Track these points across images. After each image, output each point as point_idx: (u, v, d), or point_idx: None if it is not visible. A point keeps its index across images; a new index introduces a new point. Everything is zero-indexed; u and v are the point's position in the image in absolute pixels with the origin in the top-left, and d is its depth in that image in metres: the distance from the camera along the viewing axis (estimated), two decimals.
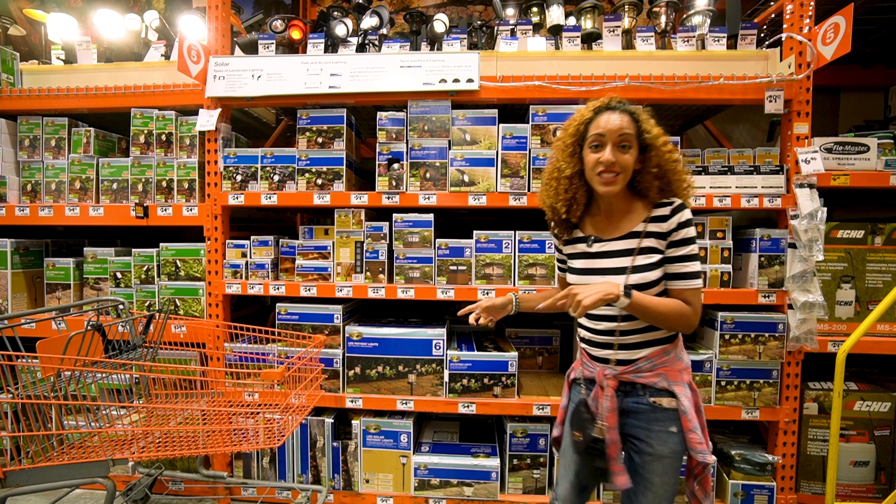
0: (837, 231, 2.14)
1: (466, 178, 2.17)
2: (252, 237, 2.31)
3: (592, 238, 1.36)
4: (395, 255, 2.22)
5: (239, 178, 2.29)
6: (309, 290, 2.21)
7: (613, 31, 2.23)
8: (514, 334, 2.55)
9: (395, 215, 2.21)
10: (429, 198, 2.17)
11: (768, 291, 2.09)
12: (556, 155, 1.36)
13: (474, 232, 2.19)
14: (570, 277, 1.42)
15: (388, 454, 2.20)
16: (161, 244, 2.35)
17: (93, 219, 2.33)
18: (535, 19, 2.50)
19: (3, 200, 2.38)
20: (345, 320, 2.28)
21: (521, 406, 2.13)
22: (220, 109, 2.28)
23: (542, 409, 2.12)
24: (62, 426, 1.89)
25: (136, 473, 2.20)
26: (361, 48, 2.37)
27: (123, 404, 1.73)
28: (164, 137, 2.34)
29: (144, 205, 2.29)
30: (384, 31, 2.53)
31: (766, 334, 2.08)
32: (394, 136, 2.23)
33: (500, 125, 2.19)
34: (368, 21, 2.39)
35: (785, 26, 2.12)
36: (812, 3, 2.05)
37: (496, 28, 2.39)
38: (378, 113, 2.24)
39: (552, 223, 1.45)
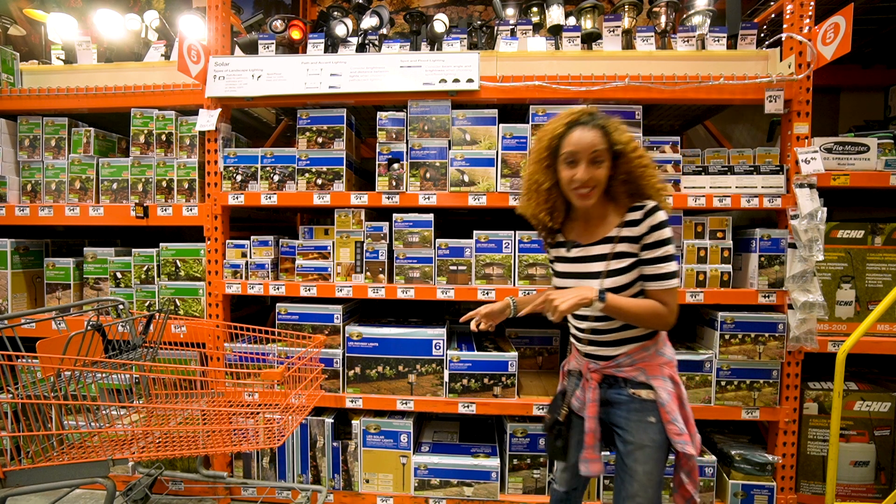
0: (837, 231, 2.14)
1: (466, 178, 2.17)
2: (252, 237, 2.31)
3: (570, 244, 1.42)
4: (395, 255, 2.22)
5: (239, 178, 2.29)
6: (309, 290, 2.21)
7: (613, 31, 2.23)
8: (514, 334, 2.55)
9: (395, 215, 2.21)
10: (429, 198, 2.17)
11: (768, 291, 2.09)
12: (534, 167, 1.39)
13: (474, 232, 2.19)
14: (554, 280, 1.50)
15: (388, 454, 2.20)
16: (161, 244, 2.35)
17: (93, 219, 2.33)
18: (535, 19, 2.50)
19: (3, 200, 2.38)
20: (345, 320, 2.28)
21: (521, 406, 2.13)
22: (220, 109, 2.28)
23: (542, 409, 2.12)
24: (62, 426, 1.88)
25: (136, 473, 2.20)
26: (361, 48, 2.37)
27: (123, 404, 1.73)
28: (164, 137, 2.34)
29: (144, 205, 2.29)
30: (384, 31, 2.53)
31: (766, 334, 2.08)
32: (394, 136, 2.23)
33: (500, 125, 2.19)
34: (368, 21, 2.39)
35: (785, 26, 2.12)
36: (812, 3, 2.05)
37: (496, 28, 2.39)
38: (378, 113, 2.24)
39: (538, 229, 1.50)
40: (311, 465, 2.26)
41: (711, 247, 2.13)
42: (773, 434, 2.14)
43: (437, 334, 2.18)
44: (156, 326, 1.89)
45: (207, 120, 2.24)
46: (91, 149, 2.38)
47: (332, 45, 2.34)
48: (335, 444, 2.24)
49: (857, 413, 2.14)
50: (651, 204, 1.31)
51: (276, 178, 2.27)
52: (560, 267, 1.46)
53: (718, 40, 2.18)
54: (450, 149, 2.20)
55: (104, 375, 1.93)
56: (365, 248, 2.23)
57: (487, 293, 2.14)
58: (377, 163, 2.21)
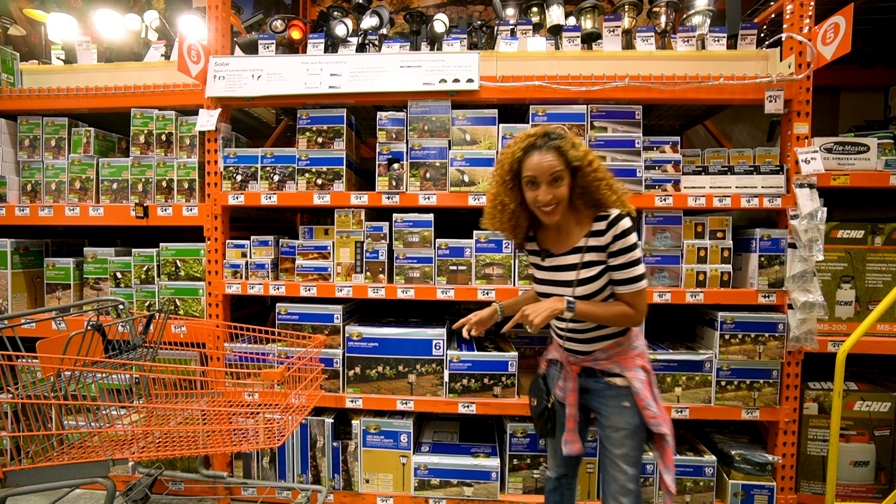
0: (837, 231, 2.14)
1: (466, 178, 2.17)
2: (252, 237, 2.31)
3: (545, 253, 1.53)
4: (395, 255, 2.22)
5: (239, 178, 2.29)
6: (309, 290, 2.21)
7: (613, 31, 2.23)
8: (514, 334, 2.55)
9: (395, 215, 2.21)
10: (429, 198, 2.17)
11: (768, 291, 2.09)
12: (498, 189, 1.47)
13: (474, 232, 2.19)
14: (533, 284, 1.61)
15: (388, 454, 2.20)
16: (161, 244, 2.35)
17: (93, 219, 2.33)
18: (535, 19, 2.50)
19: (3, 200, 2.38)
20: (345, 320, 2.28)
21: (521, 406, 2.13)
22: (220, 109, 2.28)
23: None
24: (62, 426, 1.88)
25: (136, 473, 2.20)
26: (361, 48, 2.37)
27: (123, 404, 1.73)
28: (164, 137, 2.34)
29: (144, 205, 2.29)
30: (384, 31, 2.53)
31: (766, 334, 2.08)
32: (394, 136, 2.23)
33: (500, 125, 2.19)
34: (368, 21, 2.39)
35: (785, 26, 2.12)
36: (812, 3, 2.05)
37: (496, 28, 2.39)
38: (378, 113, 2.24)
39: (513, 244, 1.63)
40: (311, 465, 2.26)
41: (711, 247, 2.13)
42: (773, 434, 2.14)
43: (437, 334, 2.18)
44: (156, 326, 1.89)
45: (207, 120, 2.24)
46: (91, 149, 2.38)
47: (332, 45, 2.35)
48: (335, 444, 2.24)
49: (857, 413, 2.14)
50: (615, 213, 1.38)
51: (276, 178, 2.27)
52: (537, 274, 1.57)
53: (718, 40, 2.18)
54: (450, 149, 2.20)
55: (104, 375, 1.93)
56: (365, 248, 2.24)
57: (487, 293, 2.14)
58: (377, 163, 2.21)
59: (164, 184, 2.34)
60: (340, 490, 2.25)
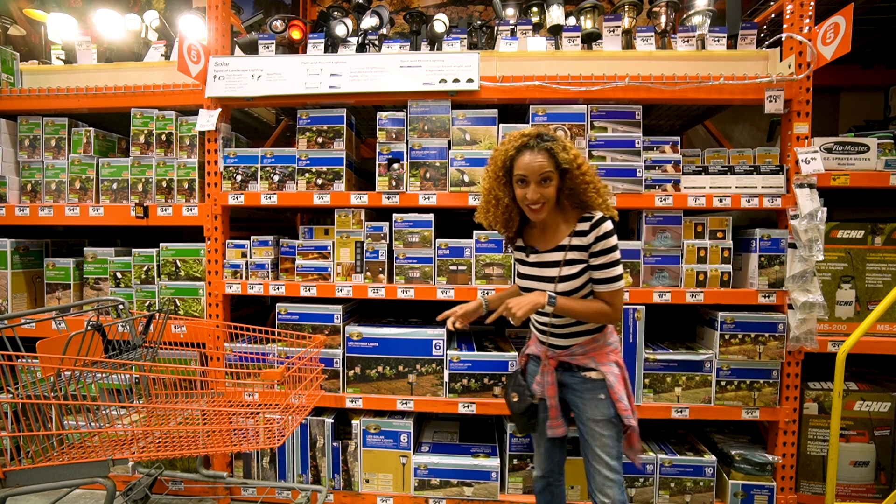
0: (837, 231, 2.14)
1: (466, 178, 2.17)
2: (252, 237, 2.31)
3: (530, 249, 1.59)
4: (395, 255, 2.22)
5: (239, 178, 2.29)
6: (309, 290, 2.21)
7: (613, 31, 2.23)
8: (514, 334, 2.55)
9: (395, 215, 2.21)
10: (429, 198, 2.17)
11: (768, 291, 2.09)
12: (491, 184, 1.54)
13: (474, 232, 2.19)
14: (517, 280, 1.66)
15: (388, 454, 2.20)
16: (161, 244, 2.35)
17: (93, 219, 2.33)
18: (535, 19, 2.50)
19: (3, 200, 2.38)
20: (345, 320, 2.28)
21: None
22: (220, 109, 2.28)
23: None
24: (62, 426, 1.89)
25: (136, 473, 2.20)
26: (361, 48, 2.37)
27: (123, 404, 1.73)
28: (164, 137, 2.34)
29: (144, 205, 2.29)
30: (384, 31, 2.53)
31: (766, 334, 2.08)
32: (394, 136, 2.23)
33: (500, 125, 2.19)
34: (368, 21, 2.39)
35: (785, 26, 2.12)
36: (812, 3, 2.05)
37: (496, 28, 2.39)
38: (378, 113, 2.24)
39: (503, 239, 1.69)
40: (311, 465, 2.26)
41: (711, 247, 2.13)
42: (773, 434, 2.14)
43: (437, 334, 2.18)
44: (156, 326, 1.89)
45: (207, 120, 2.24)
46: (91, 149, 2.39)
47: (332, 45, 2.35)
48: (335, 444, 2.24)
49: (857, 413, 2.14)
50: (598, 216, 1.47)
51: (276, 178, 2.27)
52: (522, 269, 1.63)
53: (718, 40, 2.18)
54: (450, 149, 2.20)
55: (104, 375, 1.93)
56: (365, 248, 2.24)
57: (487, 293, 2.14)
58: (377, 163, 2.21)
59: (164, 184, 2.34)
60: (340, 490, 2.25)
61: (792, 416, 2.09)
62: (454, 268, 2.20)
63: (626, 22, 2.34)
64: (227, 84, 2.24)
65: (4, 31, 2.97)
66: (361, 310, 2.61)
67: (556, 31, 2.36)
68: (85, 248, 2.42)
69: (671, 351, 2.14)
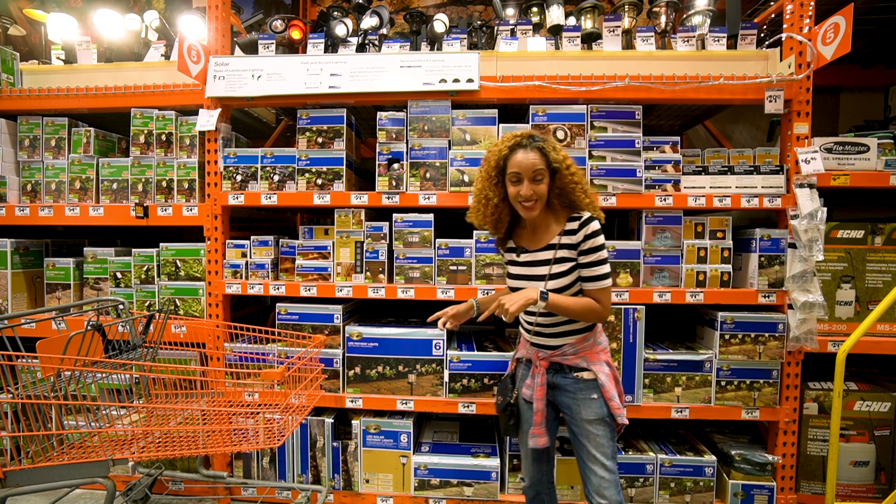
0: (837, 231, 2.14)
1: (466, 178, 2.17)
2: (252, 237, 2.31)
3: (520, 249, 1.62)
4: (395, 255, 2.22)
5: (239, 178, 2.29)
6: (309, 290, 2.21)
7: (613, 31, 2.23)
8: (514, 334, 2.55)
9: (395, 215, 2.21)
10: (429, 198, 2.17)
11: (768, 291, 2.09)
12: (483, 184, 1.57)
13: (474, 232, 2.19)
14: (508, 280, 1.69)
15: (388, 454, 2.20)
16: (161, 244, 2.35)
17: (93, 219, 2.33)
18: (535, 19, 2.50)
19: (3, 200, 2.38)
20: (345, 320, 2.28)
21: None
22: (220, 109, 2.28)
23: None
24: (62, 426, 1.89)
25: (136, 473, 2.20)
26: (361, 48, 2.37)
27: (123, 404, 1.73)
28: (164, 137, 2.34)
29: (144, 205, 2.29)
30: (384, 31, 2.53)
31: (766, 334, 2.08)
32: (394, 136, 2.23)
33: (500, 125, 2.19)
34: (368, 21, 2.39)
35: (785, 26, 2.12)
36: (812, 3, 2.05)
37: (496, 28, 2.39)
38: (378, 113, 2.24)
39: (495, 240, 1.71)
40: (311, 465, 2.26)
41: (711, 247, 2.13)
42: (773, 434, 2.14)
43: (437, 334, 2.18)
44: (156, 326, 1.89)
45: (207, 120, 2.24)
46: (91, 149, 2.39)
47: (332, 45, 2.34)
48: (335, 444, 2.24)
49: (857, 413, 2.14)
50: (586, 215, 1.51)
51: (276, 178, 2.27)
52: (512, 269, 1.65)
53: (718, 40, 2.18)
54: (450, 149, 2.20)
55: (104, 375, 1.93)
56: (365, 248, 2.24)
57: (487, 293, 2.14)
58: (377, 163, 2.21)
59: (164, 184, 2.34)
60: (340, 490, 2.25)
61: (792, 416, 2.09)
62: (454, 268, 2.20)
63: (626, 22, 2.34)
64: (227, 84, 2.24)
65: (4, 31, 2.97)
66: (361, 310, 2.61)
67: (556, 31, 2.36)
68: (85, 248, 2.42)
69: (671, 351, 2.14)
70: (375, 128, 2.24)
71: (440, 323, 1.72)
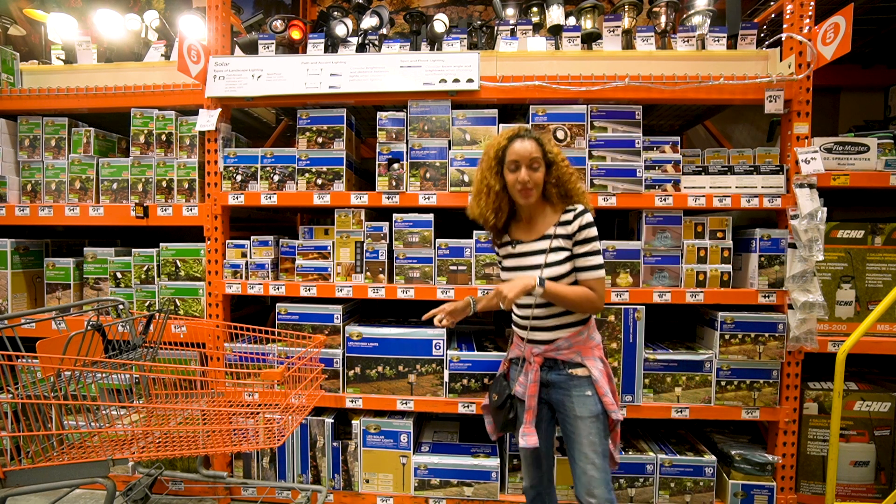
0: (837, 231, 2.14)
1: (466, 178, 2.17)
2: (252, 237, 2.31)
3: (516, 241, 1.66)
4: (395, 255, 2.22)
5: (239, 178, 2.29)
6: (309, 290, 2.21)
7: (613, 31, 2.23)
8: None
9: (395, 215, 2.21)
10: (429, 198, 2.17)
11: (768, 291, 2.09)
12: (483, 174, 1.63)
13: (474, 232, 2.19)
14: (503, 274, 1.72)
15: (388, 454, 2.20)
16: (161, 244, 2.35)
17: (93, 219, 2.33)
18: (535, 19, 2.50)
19: (3, 200, 2.38)
20: (345, 320, 2.28)
21: None
22: (220, 109, 2.28)
23: None
24: (62, 426, 1.89)
25: (136, 473, 2.20)
26: (361, 48, 2.37)
27: (123, 404, 1.73)
28: (164, 137, 2.34)
29: (144, 205, 2.29)
30: (384, 31, 2.53)
31: (766, 334, 2.08)
32: (394, 136, 2.23)
33: (500, 125, 2.19)
34: (368, 21, 2.39)
35: (785, 26, 2.12)
36: (812, 3, 2.05)
37: (496, 28, 2.39)
38: (378, 113, 2.24)
39: (487, 230, 1.73)
40: (311, 465, 2.26)
41: (711, 247, 2.13)
42: (773, 434, 2.14)
43: (437, 334, 2.18)
44: (156, 326, 1.89)
45: (207, 120, 2.24)
46: (91, 149, 2.39)
47: (332, 45, 2.34)
48: (335, 444, 2.24)
49: (857, 413, 2.14)
50: (580, 207, 1.56)
51: (276, 178, 2.27)
52: (508, 262, 1.68)
53: (718, 40, 2.18)
54: (450, 149, 2.20)
55: (104, 375, 1.93)
56: (365, 248, 2.24)
57: (487, 293, 2.13)
58: (377, 163, 2.21)
59: (164, 184, 2.34)
60: (340, 490, 2.25)
61: (792, 416, 2.09)
62: (454, 268, 2.20)
63: (626, 22, 2.34)
64: (227, 84, 2.24)
65: (4, 31, 2.97)
66: (361, 310, 2.61)
67: (556, 31, 2.36)
68: (85, 248, 2.42)
69: (671, 351, 2.14)
70: (375, 128, 2.24)
71: (436, 319, 1.73)
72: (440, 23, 2.30)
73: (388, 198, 2.18)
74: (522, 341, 1.67)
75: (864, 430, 2.14)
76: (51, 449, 1.57)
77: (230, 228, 2.37)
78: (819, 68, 2.02)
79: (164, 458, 1.83)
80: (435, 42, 2.35)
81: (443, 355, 2.18)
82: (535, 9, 2.53)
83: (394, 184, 2.20)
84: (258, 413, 1.89)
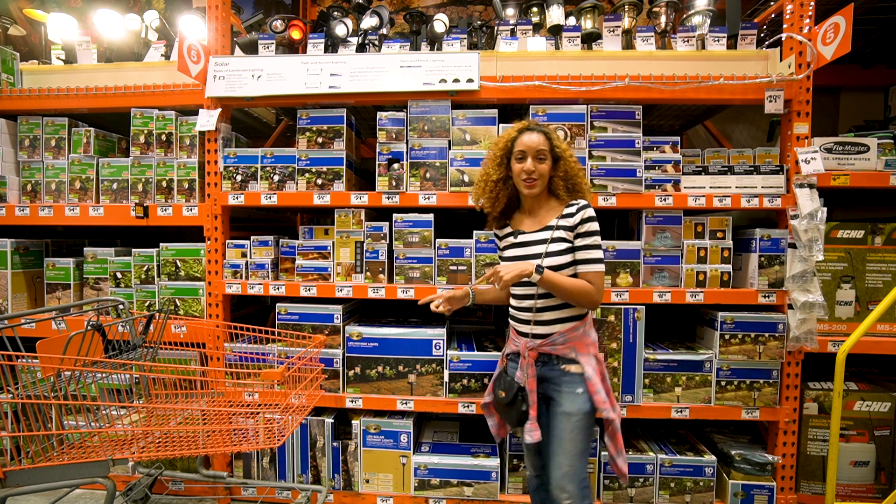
0: (837, 231, 2.14)
1: (466, 178, 2.17)
2: (252, 237, 2.31)
3: (518, 232, 1.69)
4: (395, 255, 2.22)
5: (239, 178, 2.29)
6: (309, 290, 2.21)
7: (613, 31, 2.23)
8: None
9: (395, 215, 2.21)
10: (429, 198, 2.17)
11: (768, 291, 2.09)
12: (489, 165, 1.69)
13: (474, 232, 2.19)
14: (504, 264, 1.68)
15: (388, 454, 2.20)
16: (161, 244, 2.35)
17: (93, 219, 2.33)
18: (535, 19, 2.50)
19: (3, 200, 2.38)
20: (345, 320, 2.28)
21: None
22: (220, 109, 2.28)
23: None
24: (62, 426, 1.89)
25: (136, 473, 2.20)
26: (361, 48, 2.37)
27: (123, 404, 1.73)
28: (164, 137, 2.34)
29: (144, 205, 2.29)
30: (384, 31, 2.53)
31: (766, 334, 2.08)
32: (394, 136, 2.23)
33: (500, 125, 2.19)
34: (368, 21, 2.39)
35: (785, 26, 2.12)
36: (812, 3, 2.05)
37: (496, 28, 2.39)
38: (378, 113, 2.24)
39: (489, 219, 1.77)
40: (311, 465, 2.26)
41: (711, 247, 2.13)
42: (773, 434, 2.14)
43: (437, 334, 2.18)
44: (156, 326, 1.89)
45: (207, 120, 2.24)
46: (91, 149, 2.39)
47: (332, 45, 2.34)
48: (335, 444, 2.24)
49: (857, 413, 2.14)
50: (583, 202, 1.59)
51: (276, 178, 2.27)
52: (508, 252, 1.69)
53: (718, 40, 2.18)
54: (450, 149, 2.20)
55: (104, 375, 1.93)
56: (365, 248, 2.24)
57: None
58: (377, 163, 2.21)
59: (164, 184, 2.34)
60: (340, 490, 2.25)
61: (792, 416, 2.09)
62: (454, 268, 2.20)
63: (626, 22, 2.34)
64: (227, 84, 2.24)
65: (4, 31, 2.97)
66: (361, 310, 2.61)
67: (556, 31, 2.36)
68: (85, 248, 2.42)
69: (671, 351, 2.14)
70: (375, 128, 2.24)
71: (433, 305, 1.74)
72: (440, 23, 2.30)
73: (388, 198, 2.18)
74: (518, 335, 1.68)
75: (864, 430, 2.14)
76: (51, 449, 1.57)
77: (230, 228, 2.37)
78: (819, 68, 2.02)
79: (164, 458, 1.83)
80: (435, 42, 2.35)
81: (443, 355, 2.18)
82: (535, 9, 2.53)
83: (394, 184, 2.20)
84: (258, 413, 1.89)
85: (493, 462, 2.14)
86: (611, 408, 1.55)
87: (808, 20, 2.05)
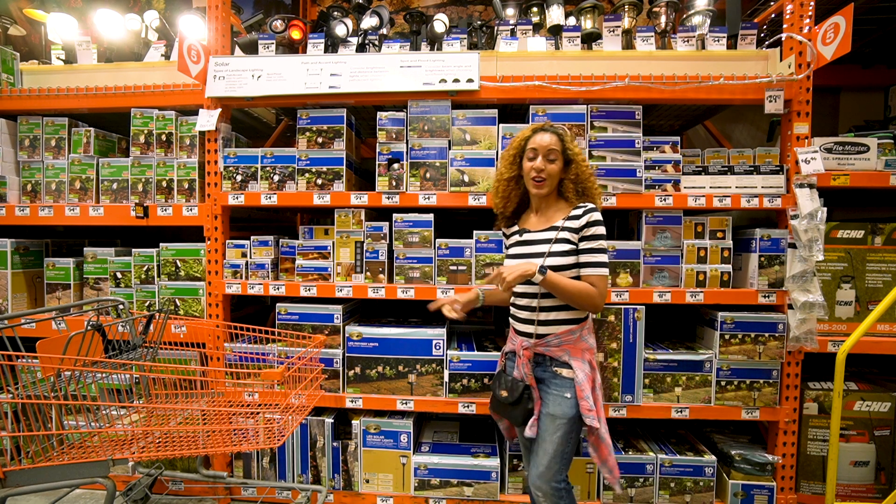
0: (837, 231, 2.14)
1: (466, 178, 2.17)
2: (252, 237, 2.31)
3: (524, 231, 1.70)
4: (395, 255, 2.22)
5: (239, 178, 2.29)
6: (309, 290, 2.21)
7: (613, 31, 2.23)
8: None
9: (395, 215, 2.21)
10: (429, 198, 2.17)
11: (768, 291, 2.09)
12: (502, 163, 1.71)
13: (474, 232, 2.19)
14: (507, 262, 1.75)
15: (388, 454, 2.20)
16: (161, 244, 2.35)
17: (93, 219, 2.33)
18: (535, 19, 2.50)
19: (3, 200, 2.38)
20: (345, 320, 2.28)
21: None
22: (220, 109, 2.28)
23: None
24: (62, 426, 1.89)
25: (136, 473, 2.20)
26: (361, 48, 2.37)
27: (123, 404, 1.73)
28: (164, 137, 2.34)
29: (144, 205, 2.29)
30: (384, 31, 2.53)
31: (766, 334, 2.08)
32: (394, 136, 2.23)
33: (500, 125, 2.19)
34: (368, 21, 2.39)
35: (785, 26, 2.12)
36: (812, 3, 2.05)
37: (496, 28, 2.39)
38: (378, 113, 2.24)
39: (500, 218, 1.79)
40: (311, 465, 2.26)
41: (711, 247, 2.13)
42: (773, 434, 2.14)
43: (437, 334, 2.18)
44: (156, 326, 1.89)
45: (207, 120, 2.24)
46: (91, 149, 2.39)
47: (332, 45, 2.34)
48: (335, 444, 2.24)
49: (857, 413, 2.14)
50: (591, 205, 1.59)
51: (276, 178, 2.27)
52: (513, 250, 1.71)
53: (718, 40, 2.18)
54: (450, 149, 2.20)
55: (104, 375, 1.93)
56: (365, 248, 2.24)
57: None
58: (377, 163, 2.21)
59: (164, 184, 2.34)
60: (340, 490, 2.25)
61: (792, 416, 2.09)
62: (454, 268, 2.20)
63: (626, 22, 2.34)
64: (227, 84, 2.24)
65: (4, 31, 2.97)
66: (361, 310, 2.61)
67: (556, 31, 2.36)
68: (85, 248, 2.42)
69: (671, 351, 2.14)
70: (375, 128, 2.24)
71: (445, 310, 1.74)
72: (440, 23, 2.30)
73: (388, 198, 2.18)
74: (516, 334, 1.69)
75: (864, 430, 2.14)
76: (51, 449, 1.57)
77: (230, 228, 2.37)
78: (819, 68, 2.02)
79: (164, 458, 1.83)
80: (435, 42, 2.35)
81: (443, 355, 2.18)
82: (535, 9, 2.53)
83: (394, 184, 2.20)
84: (258, 413, 1.89)
85: (493, 462, 2.14)
86: (596, 416, 1.52)
87: (808, 20, 2.05)
